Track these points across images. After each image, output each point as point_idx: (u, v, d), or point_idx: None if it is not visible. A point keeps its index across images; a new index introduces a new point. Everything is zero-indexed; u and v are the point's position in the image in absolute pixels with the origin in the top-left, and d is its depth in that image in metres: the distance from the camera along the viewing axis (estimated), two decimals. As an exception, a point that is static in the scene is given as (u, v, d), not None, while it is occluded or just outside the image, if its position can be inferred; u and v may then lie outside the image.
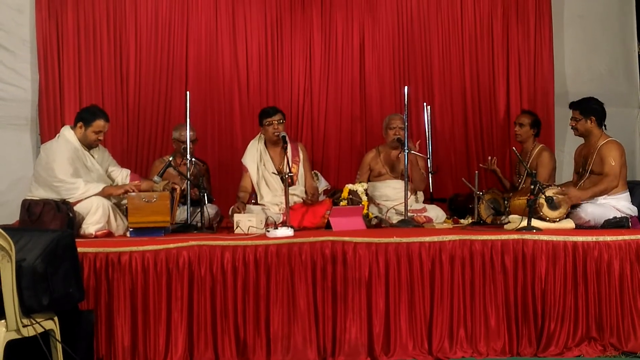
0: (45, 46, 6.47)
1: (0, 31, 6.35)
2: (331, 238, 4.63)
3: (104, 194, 5.21)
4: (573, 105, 5.62)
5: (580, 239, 4.68)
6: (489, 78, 7.20)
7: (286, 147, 5.71)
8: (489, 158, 6.36)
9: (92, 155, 5.44)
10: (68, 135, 5.34)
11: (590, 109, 5.52)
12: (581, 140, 5.72)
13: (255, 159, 5.97)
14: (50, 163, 5.19)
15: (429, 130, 5.88)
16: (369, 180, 6.20)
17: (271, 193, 5.88)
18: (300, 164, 6.01)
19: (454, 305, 4.61)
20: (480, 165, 6.50)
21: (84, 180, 5.21)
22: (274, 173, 5.82)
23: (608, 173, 5.31)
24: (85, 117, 5.37)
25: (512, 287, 4.64)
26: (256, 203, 5.86)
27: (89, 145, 5.40)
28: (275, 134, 5.80)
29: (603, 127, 5.54)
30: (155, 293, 4.39)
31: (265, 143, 6.01)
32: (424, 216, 5.84)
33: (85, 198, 5.11)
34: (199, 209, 5.36)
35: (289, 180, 5.32)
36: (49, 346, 3.69)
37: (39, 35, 6.46)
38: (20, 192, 5.57)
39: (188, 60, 6.84)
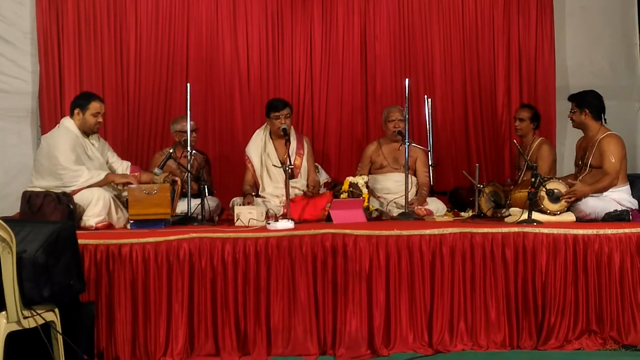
0: (45, 38, 6.46)
1: (1, 23, 6.34)
2: (332, 230, 4.63)
3: (107, 180, 5.23)
4: (571, 98, 5.68)
5: (580, 232, 4.68)
6: (490, 71, 7.18)
7: (288, 140, 5.70)
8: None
9: (93, 144, 5.44)
10: (68, 124, 5.35)
11: (584, 102, 5.54)
12: (582, 133, 5.73)
13: (259, 149, 5.95)
14: (53, 151, 5.19)
15: (430, 122, 5.86)
16: (370, 173, 6.20)
17: (272, 184, 5.87)
18: (304, 157, 6.00)
19: (454, 298, 4.62)
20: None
21: (86, 167, 5.22)
22: (274, 165, 5.81)
23: (608, 171, 5.32)
24: (80, 102, 5.39)
25: (513, 280, 4.65)
26: (257, 195, 5.85)
27: (89, 131, 5.40)
28: (282, 127, 5.78)
29: (603, 121, 5.54)
30: (156, 285, 4.40)
31: (270, 134, 5.99)
32: (425, 209, 5.83)
33: (87, 187, 5.12)
34: (200, 201, 5.36)
35: (290, 172, 5.31)
36: (50, 338, 3.70)
37: (39, 27, 6.45)
38: (21, 184, 5.58)
39: (189, 52, 6.83)
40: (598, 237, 4.66)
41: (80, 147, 5.32)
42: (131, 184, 5.20)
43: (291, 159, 5.69)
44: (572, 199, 5.20)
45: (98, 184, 5.19)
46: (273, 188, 5.85)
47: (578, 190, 5.22)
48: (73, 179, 5.14)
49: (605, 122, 5.55)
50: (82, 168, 5.20)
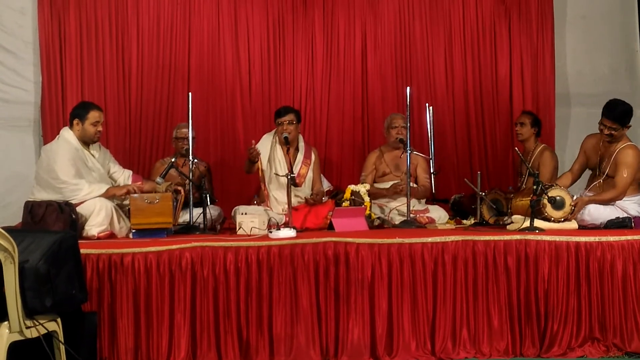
0: (47, 48, 6.48)
1: (2, 33, 6.37)
2: (334, 239, 4.63)
3: (108, 194, 5.21)
4: (611, 116, 5.38)
5: (583, 239, 4.67)
6: (492, 78, 7.20)
7: (289, 149, 5.71)
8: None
9: (93, 155, 5.44)
10: (67, 136, 5.34)
11: (628, 118, 5.40)
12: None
13: (268, 152, 5.91)
14: (51, 165, 5.19)
15: (431, 130, 5.86)
16: (373, 181, 6.20)
17: (280, 190, 5.82)
18: (311, 167, 5.99)
19: (456, 305, 4.61)
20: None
21: (87, 181, 5.21)
22: (276, 174, 5.81)
23: (617, 184, 5.32)
24: (78, 112, 5.37)
25: (515, 288, 4.64)
26: (259, 203, 5.84)
27: (90, 140, 5.39)
28: (284, 135, 5.79)
29: None
30: (158, 294, 4.39)
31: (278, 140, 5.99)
32: (427, 217, 5.83)
33: (89, 199, 5.12)
34: (202, 210, 5.36)
35: (293, 181, 5.31)
36: (52, 348, 3.70)
37: (41, 36, 6.47)
38: (23, 193, 5.58)
39: (190, 61, 6.84)
40: (600, 245, 4.65)
41: (79, 159, 5.30)
42: (132, 192, 5.20)
43: (295, 168, 5.70)
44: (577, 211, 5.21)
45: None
46: (281, 194, 5.82)
47: (580, 205, 5.23)
48: (72, 192, 5.13)
49: None
50: (82, 182, 5.18)
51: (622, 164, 5.34)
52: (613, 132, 5.40)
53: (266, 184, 5.87)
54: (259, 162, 5.83)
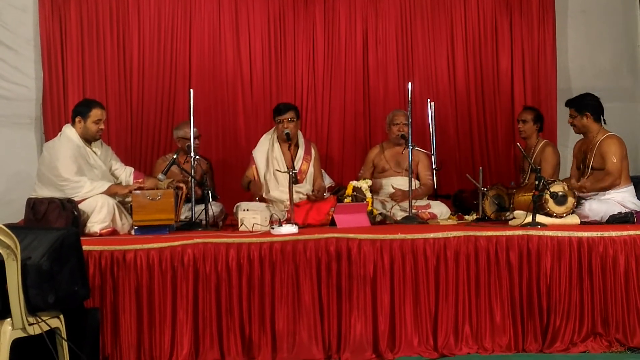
0: (49, 45, 6.49)
1: (4, 30, 6.37)
2: (336, 235, 4.63)
3: (110, 192, 5.21)
4: (568, 103, 5.67)
5: (585, 234, 4.67)
6: (493, 74, 7.20)
7: (290, 145, 5.71)
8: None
9: (95, 152, 5.43)
10: (70, 133, 5.34)
11: (584, 105, 5.55)
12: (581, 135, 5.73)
13: (265, 152, 5.94)
14: (53, 162, 5.19)
15: (433, 126, 5.86)
16: (372, 177, 6.20)
17: (279, 188, 5.85)
18: (311, 163, 5.99)
19: (459, 301, 4.61)
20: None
21: (88, 178, 5.21)
22: (277, 170, 5.81)
23: (610, 171, 5.33)
24: (81, 110, 5.36)
25: (517, 283, 4.64)
26: (261, 199, 5.84)
27: (92, 138, 5.38)
28: (285, 131, 5.78)
29: (602, 122, 5.54)
30: (161, 291, 4.40)
31: (278, 138, 5.99)
32: (429, 212, 5.83)
33: (90, 197, 5.12)
34: (204, 207, 5.36)
35: (294, 177, 5.30)
36: (55, 344, 3.70)
37: (42, 34, 6.48)
38: (25, 190, 5.58)
39: (191, 57, 6.84)
40: (602, 240, 4.65)
41: (81, 156, 5.29)
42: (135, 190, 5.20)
43: (296, 164, 5.70)
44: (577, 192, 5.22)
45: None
46: (279, 193, 5.83)
47: (579, 185, 5.24)
48: (74, 190, 5.13)
49: (605, 123, 5.55)
50: (84, 179, 5.18)
51: (606, 152, 5.38)
52: (573, 119, 5.59)
53: (264, 194, 5.87)
54: (256, 175, 5.87)
